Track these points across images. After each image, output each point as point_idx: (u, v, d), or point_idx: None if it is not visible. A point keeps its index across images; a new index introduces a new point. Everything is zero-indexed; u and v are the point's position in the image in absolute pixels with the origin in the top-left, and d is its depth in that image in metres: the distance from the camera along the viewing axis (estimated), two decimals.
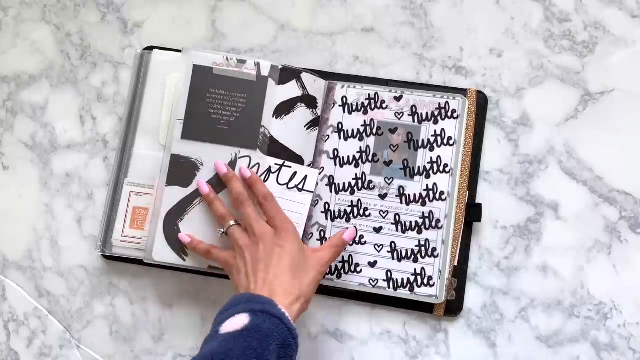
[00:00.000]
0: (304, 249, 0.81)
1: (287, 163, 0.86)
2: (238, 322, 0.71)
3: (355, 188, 0.88)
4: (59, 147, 0.97)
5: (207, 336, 0.72)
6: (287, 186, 0.86)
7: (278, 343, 0.70)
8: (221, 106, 0.87)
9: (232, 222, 0.83)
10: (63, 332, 0.93)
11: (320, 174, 0.89)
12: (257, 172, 0.86)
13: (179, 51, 0.93)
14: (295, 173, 0.86)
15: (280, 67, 0.88)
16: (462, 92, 0.89)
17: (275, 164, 0.86)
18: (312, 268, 0.80)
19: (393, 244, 0.86)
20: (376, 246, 0.87)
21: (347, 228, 0.85)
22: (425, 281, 0.85)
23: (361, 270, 0.86)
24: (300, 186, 0.86)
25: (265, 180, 0.86)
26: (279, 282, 0.76)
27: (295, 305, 0.76)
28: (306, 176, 0.86)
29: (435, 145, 0.87)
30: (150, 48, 0.95)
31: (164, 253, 0.87)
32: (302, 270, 0.79)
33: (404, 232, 0.86)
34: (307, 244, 0.88)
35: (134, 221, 0.90)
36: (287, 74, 0.88)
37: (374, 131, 0.89)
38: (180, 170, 0.87)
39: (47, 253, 0.95)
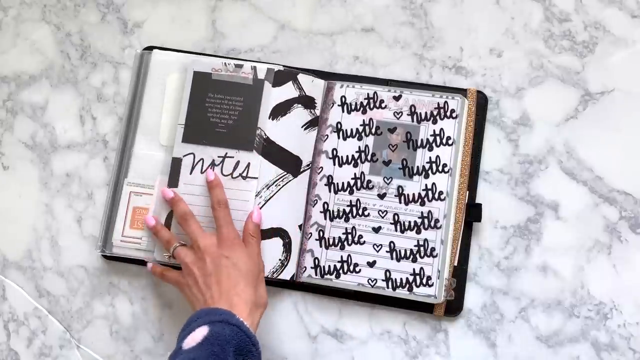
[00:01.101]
0: (252, 254, 0.82)
1: (229, 153, 0.87)
2: (198, 334, 0.72)
3: (354, 188, 0.88)
4: (59, 147, 0.97)
5: (170, 354, 0.73)
6: (232, 176, 0.87)
7: (235, 349, 0.71)
8: (219, 110, 0.88)
9: (177, 244, 0.85)
10: (63, 332, 0.93)
11: (319, 173, 0.89)
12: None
13: (179, 51, 0.94)
14: (238, 162, 0.87)
15: (276, 69, 0.88)
16: (462, 92, 0.89)
17: (218, 157, 0.87)
18: (261, 270, 0.82)
19: (392, 244, 0.86)
20: (375, 246, 0.86)
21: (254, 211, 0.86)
22: (424, 281, 0.85)
23: (360, 270, 0.86)
24: (244, 174, 0.87)
25: None
26: (235, 293, 0.78)
27: (255, 313, 0.78)
28: (249, 163, 0.87)
29: (434, 145, 0.87)
30: (150, 48, 0.95)
31: (164, 253, 0.87)
32: (255, 277, 0.81)
33: (402, 232, 0.86)
34: (306, 244, 0.88)
35: (134, 221, 0.90)
36: (282, 76, 0.88)
37: (373, 131, 0.89)
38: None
39: (47, 253, 0.95)
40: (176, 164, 0.88)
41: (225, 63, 0.89)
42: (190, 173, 0.88)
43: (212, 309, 0.76)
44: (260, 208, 0.86)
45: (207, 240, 0.82)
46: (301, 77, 0.89)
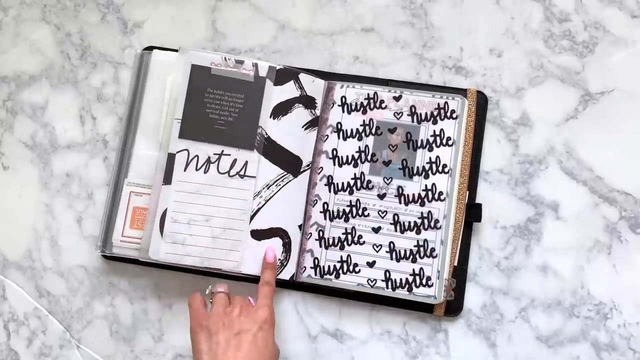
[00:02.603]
0: (273, 341, 0.80)
1: (225, 151, 0.86)
2: None
3: (354, 188, 0.88)
4: (59, 147, 0.97)
5: None
6: (229, 174, 0.86)
7: None
8: (219, 106, 0.87)
9: (222, 290, 0.82)
10: (63, 332, 0.93)
11: (319, 173, 0.89)
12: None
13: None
14: (235, 160, 0.86)
15: (277, 68, 0.88)
16: (462, 92, 0.89)
17: (214, 154, 0.86)
18: (277, 357, 0.80)
19: (392, 244, 0.86)
20: (375, 246, 0.86)
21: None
22: (424, 281, 0.85)
23: (359, 270, 0.86)
24: (242, 173, 0.86)
25: (205, 171, 0.86)
26: None
27: None
28: (247, 162, 0.86)
29: (434, 145, 0.87)
30: (150, 48, 0.95)
31: (159, 251, 0.86)
32: None
33: (402, 232, 0.86)
34: (305, 244, 0.88)
35: (134, 221, 0.90)
36: (284, 75, 0.88)
37: (373, 131, 0.89)
38: None
39: (47, 253, 0.95)
40: (170, 160, 0.87)
41: (225, 58, 0.88)
42: (185, 170, 0.87)
43: None
44: (260, 208, 0.86)
45: (250, 306, 0.80)
46: (302, 77, 0.89)
